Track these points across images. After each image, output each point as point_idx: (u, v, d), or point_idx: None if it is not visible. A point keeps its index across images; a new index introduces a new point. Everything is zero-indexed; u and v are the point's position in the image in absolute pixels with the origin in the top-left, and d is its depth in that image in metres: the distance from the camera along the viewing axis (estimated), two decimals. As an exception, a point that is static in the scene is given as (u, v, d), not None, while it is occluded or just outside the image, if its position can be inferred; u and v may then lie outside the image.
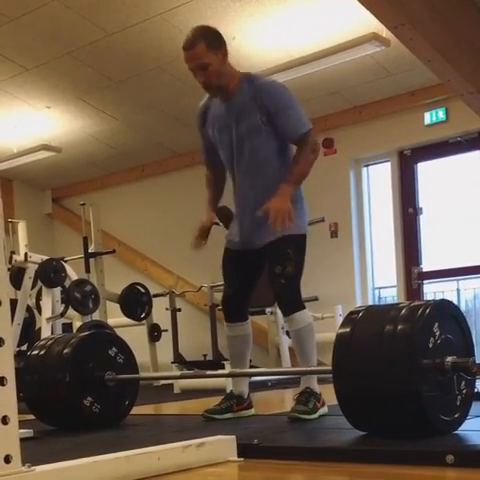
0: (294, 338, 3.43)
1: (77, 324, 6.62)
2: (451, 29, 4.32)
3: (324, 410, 3.33)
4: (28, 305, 6.36)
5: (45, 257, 6.24)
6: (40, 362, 3.49)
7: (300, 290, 3.39)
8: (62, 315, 6.17)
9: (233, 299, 3.55)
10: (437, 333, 2.42)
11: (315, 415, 3.25)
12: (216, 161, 3.60)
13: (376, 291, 7.29)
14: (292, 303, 3.36)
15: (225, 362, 5.21)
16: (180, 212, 7.92)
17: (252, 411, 3.61)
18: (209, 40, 3.30)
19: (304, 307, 3.39)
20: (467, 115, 5.52)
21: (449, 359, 2.41)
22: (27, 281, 6.23)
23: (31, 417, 3.53)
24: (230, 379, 3.90)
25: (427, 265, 6.89)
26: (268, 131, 3.36)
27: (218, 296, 6.01)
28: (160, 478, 2.10)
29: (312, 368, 3.34)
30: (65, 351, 3.42)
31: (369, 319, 2.54)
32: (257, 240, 3.42)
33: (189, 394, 5.60)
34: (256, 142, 3.36)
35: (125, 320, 7.02)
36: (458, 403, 2.48)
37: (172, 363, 6.74)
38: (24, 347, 6.22)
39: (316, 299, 6.68)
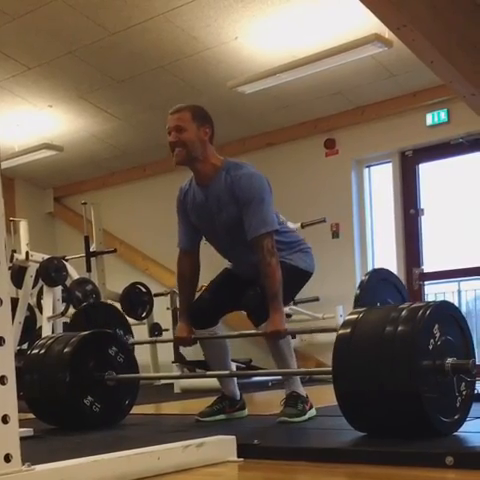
0: (269, 343, 3.35)
1: (78, 323, 6.62)
2: (454, 30, 4.31)
3: (312, 412, 3.32)
4: (29, 304, 6.37)
5: (46, 256, 6.24)
6: (40, 361, 3.50)
7: None
8: (63, 314, 6.17)
9: (207, 303, 3.43)
10: (437, 334, 2.43)
11: (305, 417, 3.24)
12: (195, 245, 3.54)
13: (377, 292, 7.27)
14: (263, 311, 3.22)
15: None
16: (181, 212, 7.90)
17: (245, 412, 3.59)
18: (196, 113, 3.33)
19: None
20: (469, 116, 5.50)
21: (449, 360, 2.41)
22: (28, 280, 6.23)
23: (31, 416, 3.54)
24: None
25: (428, 266, 6.88)
26: None
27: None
28: (160, 478, 2.11)
29: (313, 369, 3.37)
30: (65, 350, 3.42)
31: (369, 320, 2.55)
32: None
33: (189, 394, 5.60)
34: (241, 229, 3.29)
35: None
36: (458, 404, 2.49)
37: (173, 363, 6.73)
38: (25, 346, 6.23)
39: (317, 299, 6.69)
